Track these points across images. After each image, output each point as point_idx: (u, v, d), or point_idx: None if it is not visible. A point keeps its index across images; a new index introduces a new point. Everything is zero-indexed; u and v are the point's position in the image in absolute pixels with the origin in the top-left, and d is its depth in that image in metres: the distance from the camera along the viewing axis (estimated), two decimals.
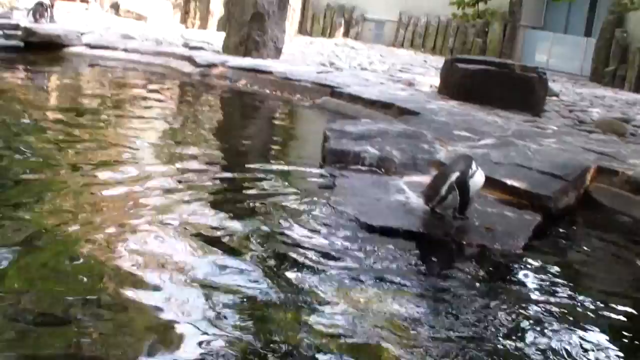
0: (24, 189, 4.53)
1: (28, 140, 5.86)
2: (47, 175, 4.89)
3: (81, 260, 3.45)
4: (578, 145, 7.02)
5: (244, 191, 4.98)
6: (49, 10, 13.06)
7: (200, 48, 13.01)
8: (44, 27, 12.27)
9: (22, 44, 11.70)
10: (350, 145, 5.86)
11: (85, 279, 3.25)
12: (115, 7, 18.96)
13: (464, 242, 4.27)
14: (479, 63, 10.04)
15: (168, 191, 4.70)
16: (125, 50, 12.02)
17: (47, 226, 3.83)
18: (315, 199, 4.85)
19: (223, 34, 13.59)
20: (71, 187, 4.62)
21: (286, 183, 5.40)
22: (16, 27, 11.94)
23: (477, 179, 4.49)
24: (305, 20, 21.71)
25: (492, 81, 9.52)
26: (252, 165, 5.78)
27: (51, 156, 5.43)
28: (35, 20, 12.66)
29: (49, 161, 5.27)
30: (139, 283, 3.25)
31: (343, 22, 21.23)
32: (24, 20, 12.65)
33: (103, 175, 4.98)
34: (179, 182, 4.99)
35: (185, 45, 13.38)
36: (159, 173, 5.15)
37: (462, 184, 4.38)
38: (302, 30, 21.50)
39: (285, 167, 5.96)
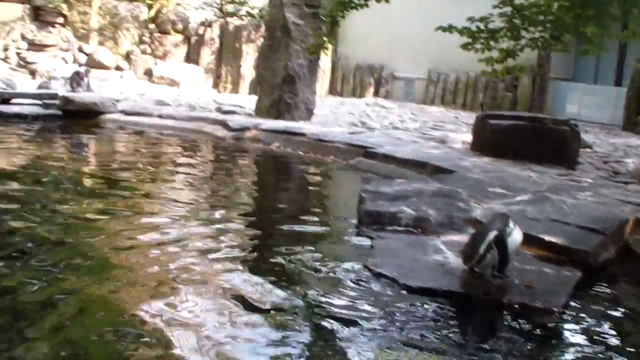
0: (60, 249, 4.67)
1: (67, 203, 6.10)
2: (80, 237, 5.04)
3: (117, 318, 3.56)
4: (614, 197, 6.96)
5: (279, 253, 4.98)
6: (85, 79, 13.43)
7: (233, 112, 13.22)
8: (81, 95, 12.63)
9: (60, 112, 12.06)
10: (386, 206, 5.87)
11: (118, 337, 3.33)
12: (149, 74, 19.41)
13: (504, 301, 4.22)
14: (510, 118, 10.04)
15: (204, 253, 4.78)
16: (160, 116, 12.27)
17: (81, 285, 3.99)
18: (352, 261, 4.85)
19: (254, 97, 13.80)
20: (109, 248, 4.75)
21: (323, 245, 5.42)
22: (54, 96, 12.33)
23: (515, 236, 4.48)
24: (335, 81, 21.93)
25: (524, 136, 9.49)
26: (288, 227, 5.83)
27: (88, 218, 5.61)
28: (73, 89, 13.01)
29: (86, 222, 5.45)
30: (170, 345, 3.29)
31: (373, 81, 21.40)
32: (61, 89, 13.05)
33: (141, 237, 5.11)
34: (215, 244, 5.07)
35: (218, 109, 13.60)
36: (194, 236, 5.25)
37: (501, 243, 4.37)
38: (332, 90, 21.72)
39: (322, 229, 6.00)
